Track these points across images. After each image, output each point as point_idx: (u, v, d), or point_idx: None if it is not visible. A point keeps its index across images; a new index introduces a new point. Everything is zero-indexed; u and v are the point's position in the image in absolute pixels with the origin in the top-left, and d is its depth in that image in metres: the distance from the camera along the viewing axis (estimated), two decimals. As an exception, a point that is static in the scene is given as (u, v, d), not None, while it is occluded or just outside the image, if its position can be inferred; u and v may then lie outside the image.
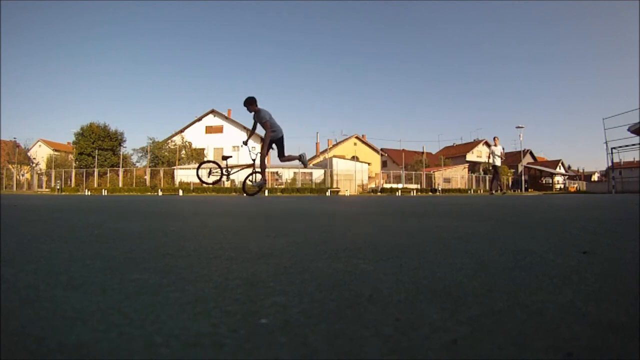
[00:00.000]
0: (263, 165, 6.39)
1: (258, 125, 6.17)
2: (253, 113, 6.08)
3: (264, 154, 6.14)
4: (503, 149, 11.85)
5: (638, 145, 17.48)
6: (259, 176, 6.53)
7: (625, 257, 0.92)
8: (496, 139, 11.99)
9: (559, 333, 0.42)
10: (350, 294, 0.59)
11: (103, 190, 25.98)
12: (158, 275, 0.70)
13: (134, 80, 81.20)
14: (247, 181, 6.84)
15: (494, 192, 12.53)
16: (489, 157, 11.99)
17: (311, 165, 35.17)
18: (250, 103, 5.97)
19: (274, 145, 6.20)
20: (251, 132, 6.39)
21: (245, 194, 7.07)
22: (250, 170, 6.62)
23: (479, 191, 33.18)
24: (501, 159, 11.64)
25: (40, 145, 43.38)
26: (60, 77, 77.31)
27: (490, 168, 12.20)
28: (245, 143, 6.39)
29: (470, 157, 45.44)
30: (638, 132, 16.97)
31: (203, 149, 34.98)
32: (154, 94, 79.86)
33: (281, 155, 6.31)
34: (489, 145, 47.17)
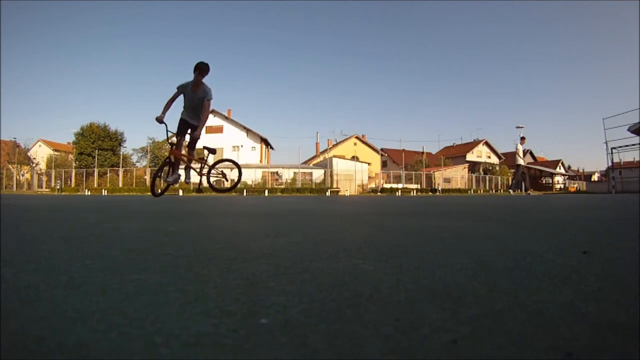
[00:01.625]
0: (192, 155, 5.25)
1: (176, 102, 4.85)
2: (190, 84, 4.76)
3: (198, 139, 5.00)
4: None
5: (638, 145, 17.48)
6: (182, 171, 5.29)
7: (625, 257, 0.91)
8: (524, 138, 11.88)
9: (559, 333, 0.42)
10: (350, 294, 0.59)
11: (103, 190, 25.99)
12: (158, 275, 0.70)
13: (134, 80, 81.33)
14: (159, 177, 5.38)
15: (529, 192, 12.40)
16: (517, 156, 11.89)
17: (311, 165, 35.14)
18: (207, 71, 4.75)
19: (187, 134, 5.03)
20: (169, 106, 4.88)
21: (153, 195, 5.71)
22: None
23: (479, 191, 33.19)
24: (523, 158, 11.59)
25: (40, 145, 43.40)
26: (60, 77, 77.43)
27: (516, 167, 12.10)
28: (161, 120, 4.81)
29: (470, 157, 45.46)
30: (638, 132, 16.97)
31: (203, 149, 34.94)
32: (154, 94, 79.87)
33: (192, 148, 5.25)
34: (489, 146, 47.26)
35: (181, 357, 0.36)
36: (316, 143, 43.51)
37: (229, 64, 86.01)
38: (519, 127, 31.97)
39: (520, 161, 11.65)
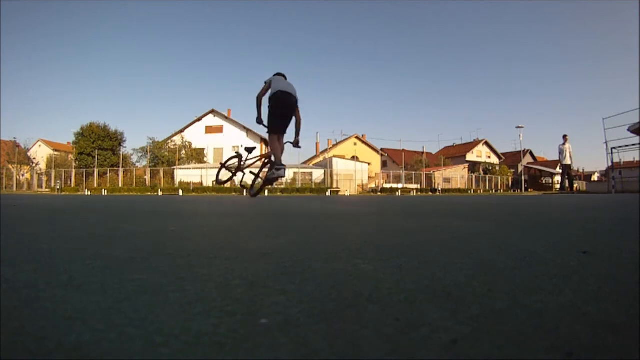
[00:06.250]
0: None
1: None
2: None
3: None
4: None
5: (638, 145, 17.45)
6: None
7: (625, 257, 0.91)
8: (566, 136, 11.85)
9: (559, 333, 0.42)
10: (350, 294, 0.59)
11: (103, 190, 25.99)
12: (158, 275, 0.70)
13: (134, 81, 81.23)
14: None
15: (574, 191, 12.39)
16: (561, 156, 11.85)
17: (311, 165, 35.13)
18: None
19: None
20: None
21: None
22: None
23: (479, 191, 33.22)
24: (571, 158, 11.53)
25: (40, 145, 43.39)
26: (60, 77, 77.34)
27: (561, 167, 12.06)
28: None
29: (470, 157, 45.46)
30: (638, 132, 16.95)
31: (203, 149, 35.04)
32: (154, 94, 79.87)
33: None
34: (489, 146, 47.21)
35: (181, 357, 0.36)
36: (316, 143, 43.49)
37: (229, 64, 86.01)
38: (519, 127, 32.03)
39: (568, 161, 11.63)
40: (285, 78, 5.26)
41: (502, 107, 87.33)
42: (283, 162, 4.93)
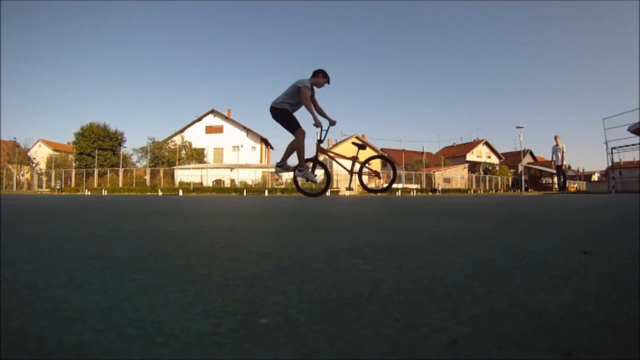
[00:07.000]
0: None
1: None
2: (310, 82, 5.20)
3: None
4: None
5: (638, 145, 17.45)
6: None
7: (625, 257, 0.91)
8: (557, 137, 11.97)
9: (559, 333, 0.42)
10: (350, 294, 0.59)
11: (103, 190, 26.00)
12: (158, 275, 0.70)
13: (134, 81, 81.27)
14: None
15: (567, 189, 12.58)
16: (553, 156, 11.97)
17: (311, 165, 35.15)
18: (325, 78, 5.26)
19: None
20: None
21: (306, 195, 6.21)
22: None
23: (479, 191, 33.21)
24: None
25: (40, 145, 43.44)
26: (60, 77, 77.36)
27: (555, 167, 12.21)
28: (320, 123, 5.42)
29: (470, 157, 45.49)
30: (638, 132, 16.95)
31: (203, 149, 35.08)
32: (154, 94, 79.93)
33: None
34: (489, 146, 47.17)
35: (181, 357, 0.36)
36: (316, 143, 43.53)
37: (229, 64, 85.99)
38: (519, 127, 32.07)
39: (563, 161, 11.76)
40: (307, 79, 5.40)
41: (502, 107, 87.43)
42: (287, 163, 5.41)
